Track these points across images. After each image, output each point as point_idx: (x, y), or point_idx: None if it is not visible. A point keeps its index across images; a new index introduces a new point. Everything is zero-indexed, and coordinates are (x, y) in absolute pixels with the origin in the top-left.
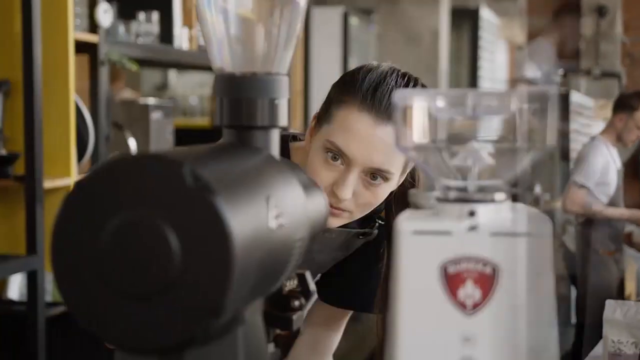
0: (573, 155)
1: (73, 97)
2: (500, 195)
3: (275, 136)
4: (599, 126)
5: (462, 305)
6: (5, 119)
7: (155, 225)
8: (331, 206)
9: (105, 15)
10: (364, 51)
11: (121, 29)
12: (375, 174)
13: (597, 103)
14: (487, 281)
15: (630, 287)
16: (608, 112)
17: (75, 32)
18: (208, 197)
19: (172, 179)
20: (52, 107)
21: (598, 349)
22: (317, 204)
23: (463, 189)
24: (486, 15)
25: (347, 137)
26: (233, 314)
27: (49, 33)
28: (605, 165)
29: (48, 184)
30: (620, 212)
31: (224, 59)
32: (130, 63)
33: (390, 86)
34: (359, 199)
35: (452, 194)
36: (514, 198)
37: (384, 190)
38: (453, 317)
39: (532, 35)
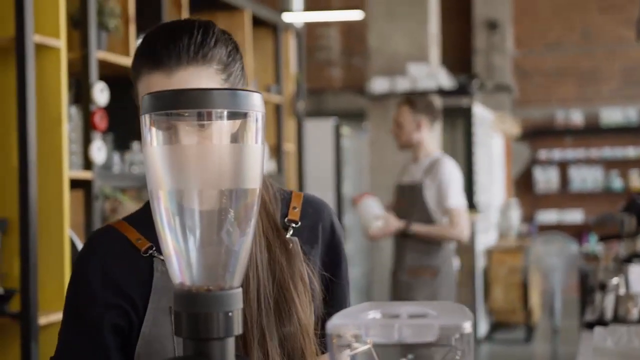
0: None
1: (68, 233)
2: None
3: (230, 345)
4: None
5: None
6: (2, 257)
7: None
8: None
9: (99, 152)
10: (357, 157)
11: (116, 158)
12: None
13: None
14: None
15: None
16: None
17: (71, 171)
18: None
19: None
20: (48, 243)
21: None
22: None
23: None
24: (479, 111)
25: None
26: None
27: (44, 172)
28: None
29: (43, 320)
30: (427, 229)
31: (183, 274)
32: (123, 196)
33: (168, 29)
34: None
35: None
36: None
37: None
38: None
39: (525, 125)
